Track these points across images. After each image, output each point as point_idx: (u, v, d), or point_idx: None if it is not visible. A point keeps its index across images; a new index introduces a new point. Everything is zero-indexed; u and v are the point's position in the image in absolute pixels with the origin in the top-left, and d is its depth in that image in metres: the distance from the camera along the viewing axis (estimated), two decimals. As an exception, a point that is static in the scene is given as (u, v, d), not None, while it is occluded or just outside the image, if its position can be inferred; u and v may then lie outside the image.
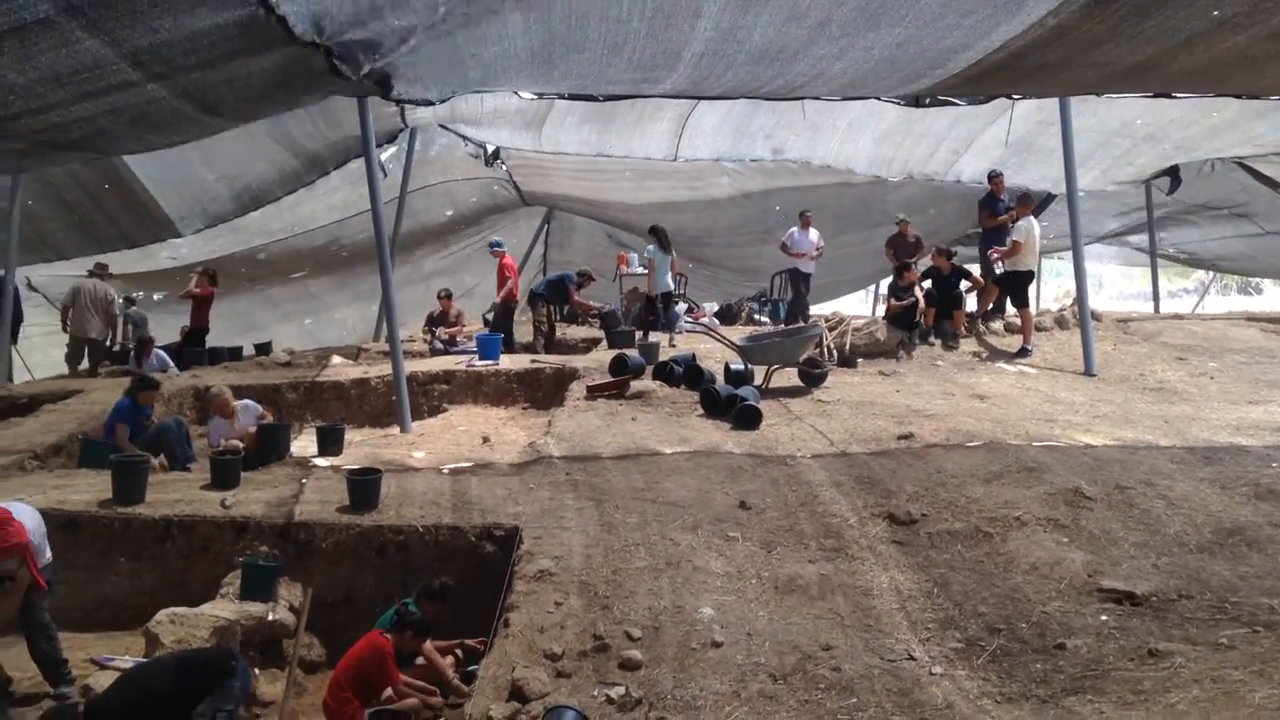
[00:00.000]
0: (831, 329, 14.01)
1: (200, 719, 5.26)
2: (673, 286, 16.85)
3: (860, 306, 26.85)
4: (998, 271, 14.38)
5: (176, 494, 8.53)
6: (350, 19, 3.70)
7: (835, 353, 13.48)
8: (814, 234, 17.02)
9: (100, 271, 15.38)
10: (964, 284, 14.39)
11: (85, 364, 15.23)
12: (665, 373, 12.27)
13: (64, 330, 15.45)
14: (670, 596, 6.54)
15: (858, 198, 19.45)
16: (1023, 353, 13.57)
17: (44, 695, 6.60)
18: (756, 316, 19.97)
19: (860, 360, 13.52)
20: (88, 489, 8.56)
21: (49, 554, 6.81)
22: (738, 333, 14.45)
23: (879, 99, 12.74)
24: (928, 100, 13.40)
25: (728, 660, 5.76)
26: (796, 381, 12.10)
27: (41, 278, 17.71)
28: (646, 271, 17.31)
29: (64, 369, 15.75)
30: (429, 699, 6.91)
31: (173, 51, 3.59)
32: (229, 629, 6.92)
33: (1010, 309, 14.87)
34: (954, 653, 5.95)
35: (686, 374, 12.06)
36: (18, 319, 15.20)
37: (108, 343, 15.51)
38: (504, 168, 19.59)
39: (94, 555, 7.98)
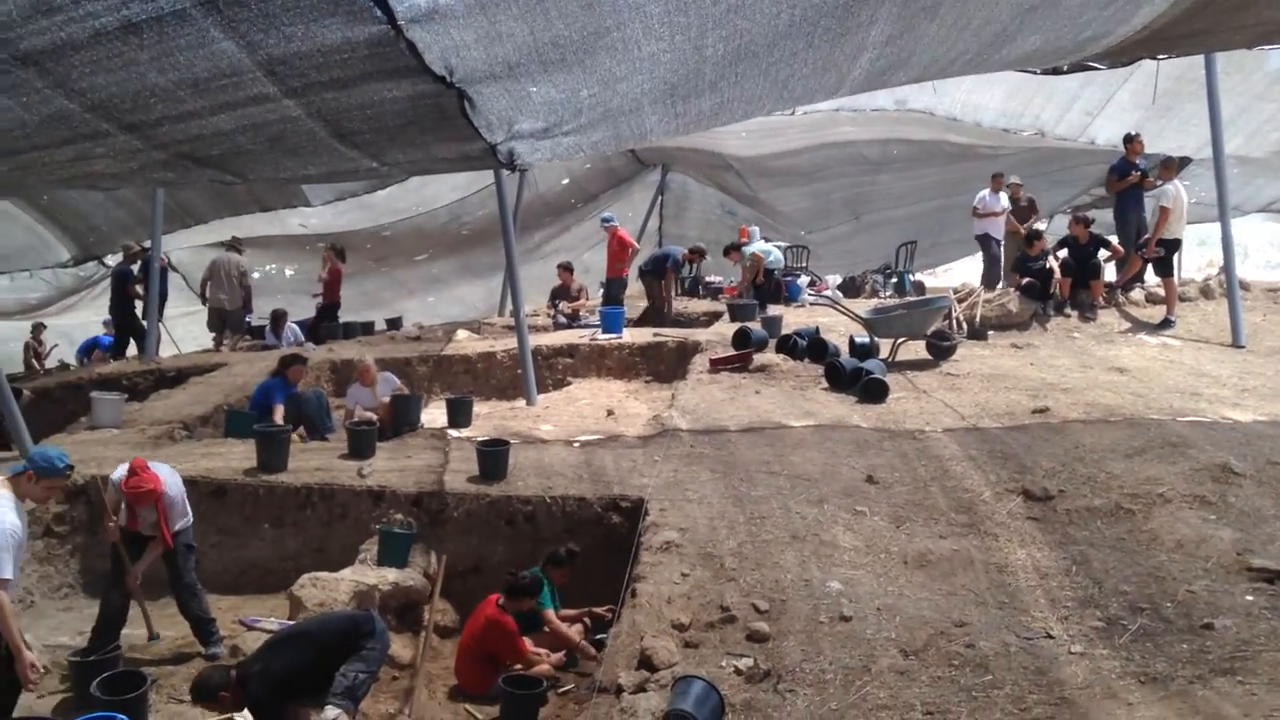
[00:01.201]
0: (960, 300, 13.63)
1: (343, 679, 5.45)
2: (783, 262, 16.76)
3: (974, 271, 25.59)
4: (1141, 241, 13.70)
5: (316, 463, 8.83)
6: (483, 70, 3.70)
7: (965, 325, 13.12)
8: (1004, 196, 16.28)
9: (235, 245, 15.96)
10: (1102, 253, 13.81)
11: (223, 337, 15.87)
12: (789, 346, 12.15)
13: (202, 303, 16.16)
14: (797, 570, 6.49)
15: (979, 155, 18.78)
16: (1165, 324, 12.99)
17: (196, 655, 6.94)
18: (880, 290, 19.61)
19: (991, 332, 13.14)
20: (234, 457, 8.93)
21: (189, 517, 7.11)
22: (862, 306, 14.21)
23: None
24: (1065, 68, 12.86)
25: (857, 634, 5.69)
26: (924, 354, 11.84)
27: (180, 251, 18.57)
28: (769, 244, 17.24)
29: (204, 344, 16.50)
30: (558, 664, 7.05)
31: (306, 65, 3.64)
32: (368, 594, 7.14)
33: (1151, 278, 14.24)
34: (1094, 631, 5.74)
35: (810, 347, 11.92)
36: (163, 296, 15.92)
37: (242, 313, 16.06)
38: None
39: (240, 521, 8.35)
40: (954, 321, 13.01)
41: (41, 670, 5.34)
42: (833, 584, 6.25)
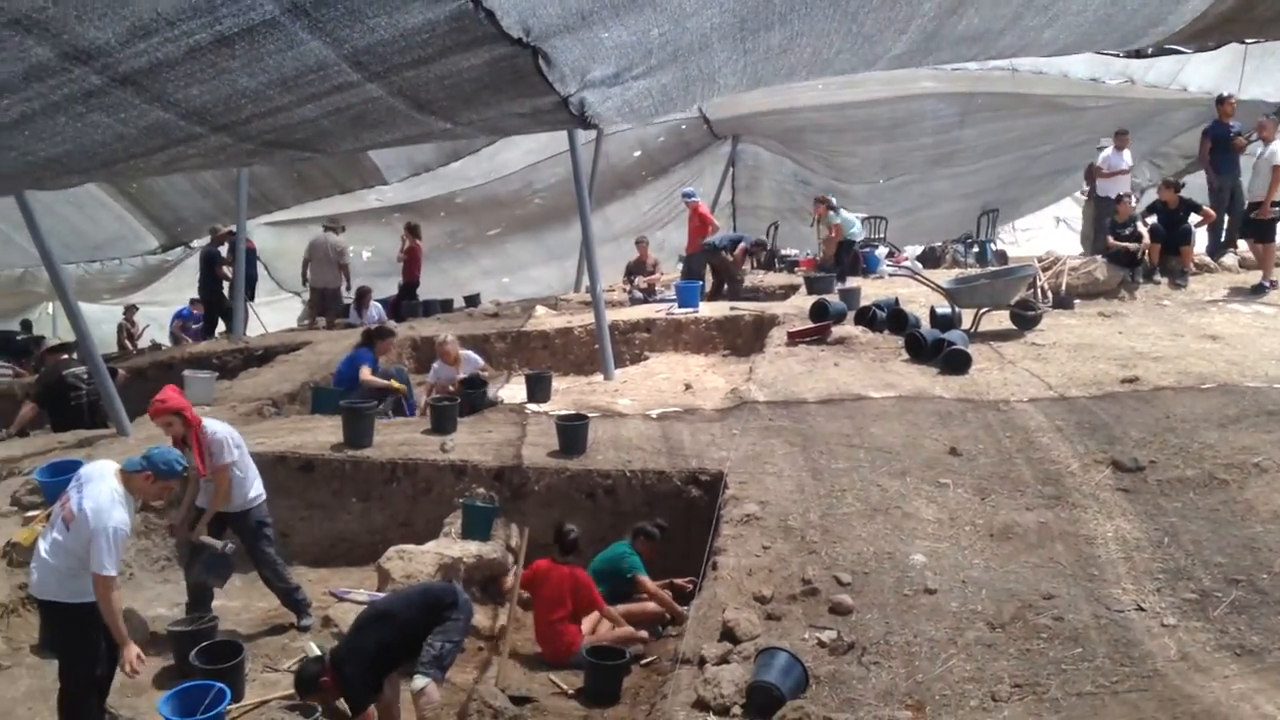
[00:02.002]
0: (1046, 269, 13.34)
1: (430, 649, 5.54)
2: (862, 234, 16.53)
3: (1058, 239, 24.59)
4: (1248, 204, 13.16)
5: (400, 438, 8.98)
6: (558, 24, 3.72)
7: (1050, 294, 12.84)
8: (1127, 154, 15.70)
9: (334, 225, 16.22)
10: (1193, 218, 13.38)
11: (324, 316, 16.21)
12: (868, 318, 12.02)
13: (303, 283, 16.53)
14: (880, 542, 6.44)
15: (1066, 107, 18.21)
16: (1259, 290, 12.56)
17: (289, 625, 7.10)
18: (961, 259, 19.25)
19: (1078, 301, 12.85)
20: (321, 433, 9.12)
21: (261, 493, 7.18)
22: (942, 276, 13.98)
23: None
24: (1150, 50, 12.41)
25: (942, 607, 5.63)
26: (1008, 324, 11.62)
27: (262, 229, 19.04)
28: (847, 215, 17.05)
29: (288, 324, 16.87)
30: (638, 632, 7.13)
31: (389, 50, 3.71)
32: (452, 566, 7.27)
33: (1242, 243, 13.76)
34: (1187, 604, 5.61)
35: (890, 318, 11.78)
36: (250, 278, 16.29)
37: (339, 292, 16.34)
38: (696, 109, 19.45)
39: (329, 495, 8.53)
40: (1039, 290, 12.75)
41: (143, 662, 5.47)
42: (916, 557, 6.20)
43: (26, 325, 18.62)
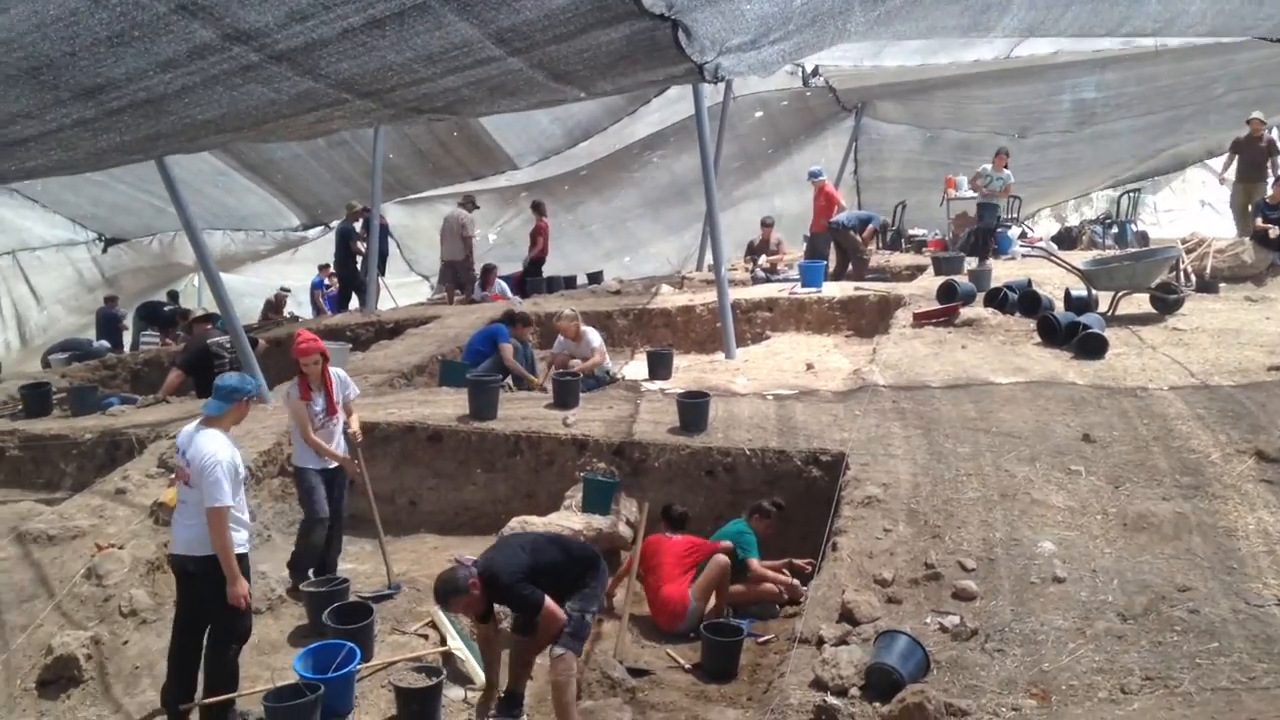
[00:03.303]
0: (1189, 251, 12.77)
1: (572, 617, 5.52)
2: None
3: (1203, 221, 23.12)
4: None
5: (523, 411, 9.15)
6: None
7: (1193, 277, 12.29)
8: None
9: (467, 203, 16.53)
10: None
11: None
12: (998, 299, 11.70)
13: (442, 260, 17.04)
14: (1006, 529, 6.29)
15: (1213, 52, 17.04)
16: None
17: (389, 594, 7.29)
18: (1099, 240, 18.55)
19: (1223, 285, 12.27)
20: (447, 405, 9.36)
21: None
22: (1078, 257, 13.50)
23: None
24: None
25: (1070, 596, 5.48)
26: (1148, 308, 11.18)
27: (396, 205, 19.63)
28: (975, 195, 16.54)
29: (416, 299, 17.31)
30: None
31: (532, 28, 3.82)
32: (572, 538, 7.36)
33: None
34: (1335, 604, 5.34)
35: (1022, 300, 11.45)
36: (383, 254, 16.76)
37: (466, 266, 16.64)
38: (822, 81, 19.18)
39: (455, 465, 8.75)
40: (1181, 273, 12.20)
41: (249, 600, 5.68)
42: (1045, 544, 6.04)
43: (173, 296, 19.52)
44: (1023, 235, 17.64)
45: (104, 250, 19.46)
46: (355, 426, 7.33)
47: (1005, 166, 15.41)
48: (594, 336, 11.18)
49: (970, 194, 16.75)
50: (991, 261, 14.70)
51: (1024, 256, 15.56)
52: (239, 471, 5.65)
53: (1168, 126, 19.08)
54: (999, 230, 16.58)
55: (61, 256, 19.69)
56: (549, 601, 5.35)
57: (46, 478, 9.54)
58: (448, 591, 5.43)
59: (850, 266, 15.80)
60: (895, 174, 22.23)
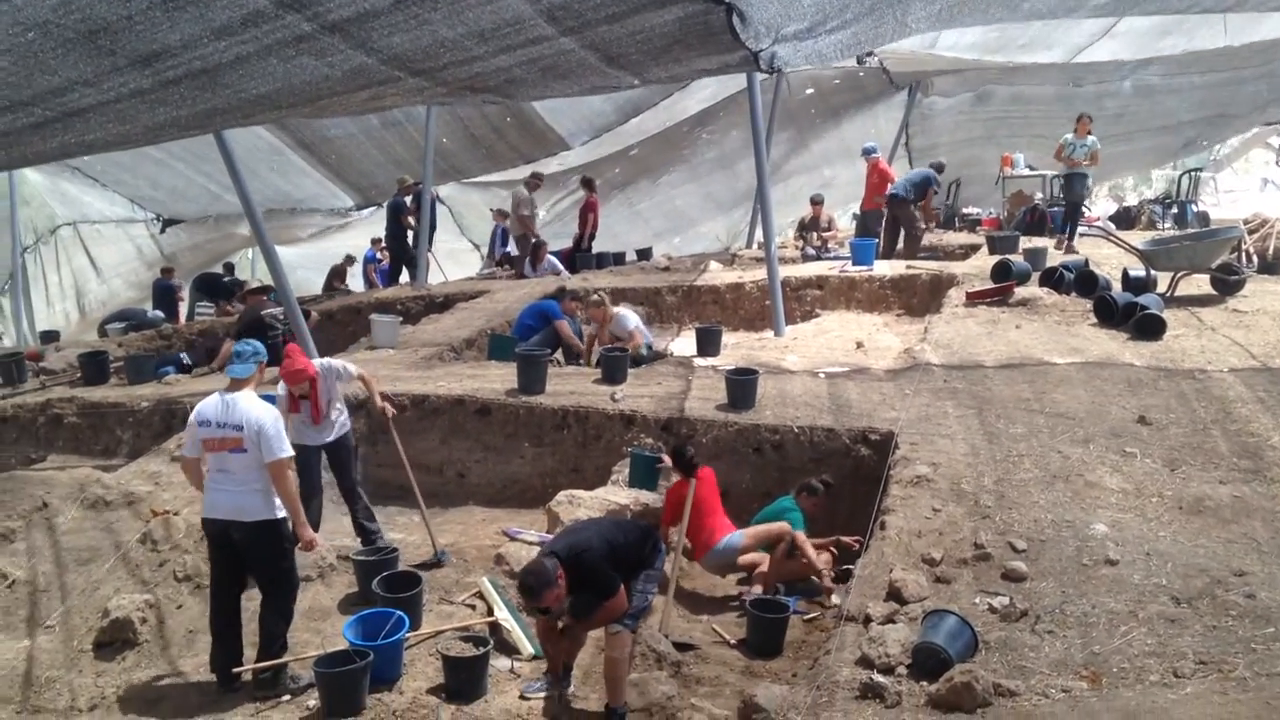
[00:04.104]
0: (1251, 232, 12.48)
1: (636, 594, 5.48)
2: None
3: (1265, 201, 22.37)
4: None
5: (571, 386, 9.17)
6: None
7: (1255, 258, 12.01)
8: None
9: (531, 182, 16.54)
10: None
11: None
12: (1054, 279, 11.51)
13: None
14: (1059, 510, 6.21)
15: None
16: None
17: (436, 563, 7.35)
18: (1158, 221, 18.18)
19: (1286, 266, 11.99)
20: (495, 379, 9.40)
21: (348, 420, 7.52)
22: (1137, 237, 13.24)
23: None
24: None
25: (1123, 579, 5.39)
26: (1208, 289, 10.94)
27: (447, 187, 19.79)
28: (1033, 173, 16.28)
29: (465, 267, 17.37)
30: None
31: (584, 7, 3.79)
32: (618, 513, 7.38)
33: None
34: (1400, 593, 5.20)
35: (1078, 280, 11.25)
36: (433, 224, 16.85)
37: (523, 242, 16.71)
38: (876, 60, 18.90)
39: (503, 439, 8.80)
40: (1243, 254, 11.93)
41: (320, 544, 5.77)
42: (1097, 526, 5.95)
43: (229, 268, 19.81)
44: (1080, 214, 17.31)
45: (161, 231, 19.83)
46: (380, 402, 7.42)
47: (1089, 132, 14.25)
48: (629, 318, 11.08)
49: (1028, 171, 16.48)
50: (1047, 240, 14.47)
51: (1081, 236, 15.28)
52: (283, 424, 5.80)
53: (1228, 86, 18.51)
54: (1053, 210, 16.30)
55: (120, 232, 20.09)
56: (621, 589, 5.28)
57: (104, 444, 9.74)
58: (540, 585, 5.05)
59: (902, 243, 15.58)
60: (947, 139, 21.84)
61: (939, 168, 16.69)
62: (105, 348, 12.66)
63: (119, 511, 7.55)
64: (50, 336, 16.36)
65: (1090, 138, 13.99)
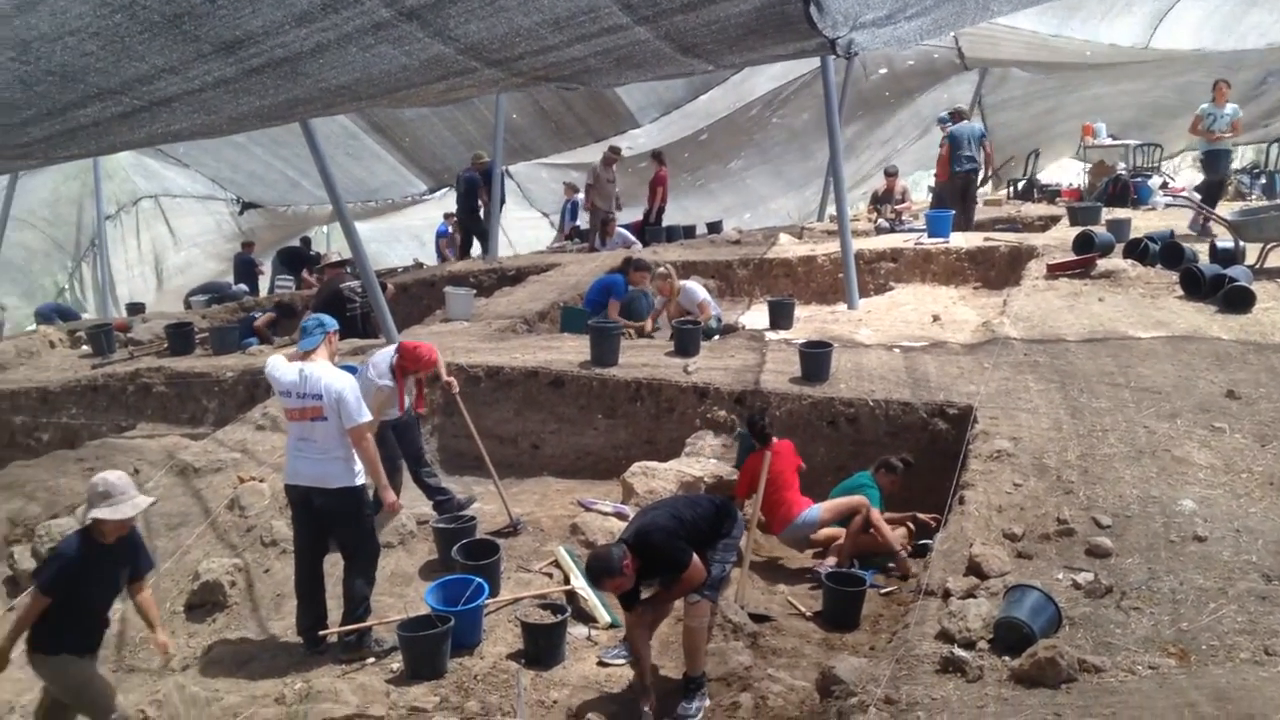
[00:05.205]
0: (1347, 201, 12.02)
1: (712, 569, 5.46)
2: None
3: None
4: None
5: (644, 359, 9.19)
6: None
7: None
8: None
9: (609, 156, 16.55)
10: None
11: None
12: (1138, 251, 11.23)
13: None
14: (1144, 486, 6.08)
15: None
16: None
17: (509, 530, 7.44)
18: (1246, 191, 17.61)
19: (1385, 238, 11.53)
20: (568, 351, 9.46)
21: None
22: (1224, 208, 12.85)
23: None
24: None
25: (1212, 556, 5.27)
26: (1300, 261, 10.60)
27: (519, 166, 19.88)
28: (1115, 142, 15.87)
29: (534, 237, 17.76)
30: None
31: None
32: (693, 484, 7.41)
33: None
34: None
35: (1164, 252, 10.96)
36: (501, 197, 16.96)
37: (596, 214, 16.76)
38: (951, 40, 18.52)
39: (576, 411, 8.86)
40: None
41: (401, 508, 5.90)
42: (1185, 502, 5.82)
43: (306, 242, 20.14)
44: (1164, 185, 16.85)
45: (240, 213, 20.32)
46: (446, 375, 7.58)
47: (1227, 101, 12.98)
48: (697, 291, 11.04)
49: (1109, 141, 16.06)
50: (1130, 211, 14.11)
51: (1166, 207, 14.89)
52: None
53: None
54: (1136, 181, 15.87)
55: (200, 206, 20.59)
56: (695, 558, 5.29)
57: (190, 413, 10.02)
58: (603, 572, 5.12)
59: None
60: (1024, 129, 21.35)
61: (958, 115, 16.11)
62: (190, 319, 12.98)
63: (206, 478, 7.77)
64: (136, 308, 16.83)
65: (1230, 106, 12.88)
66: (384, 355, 7.25)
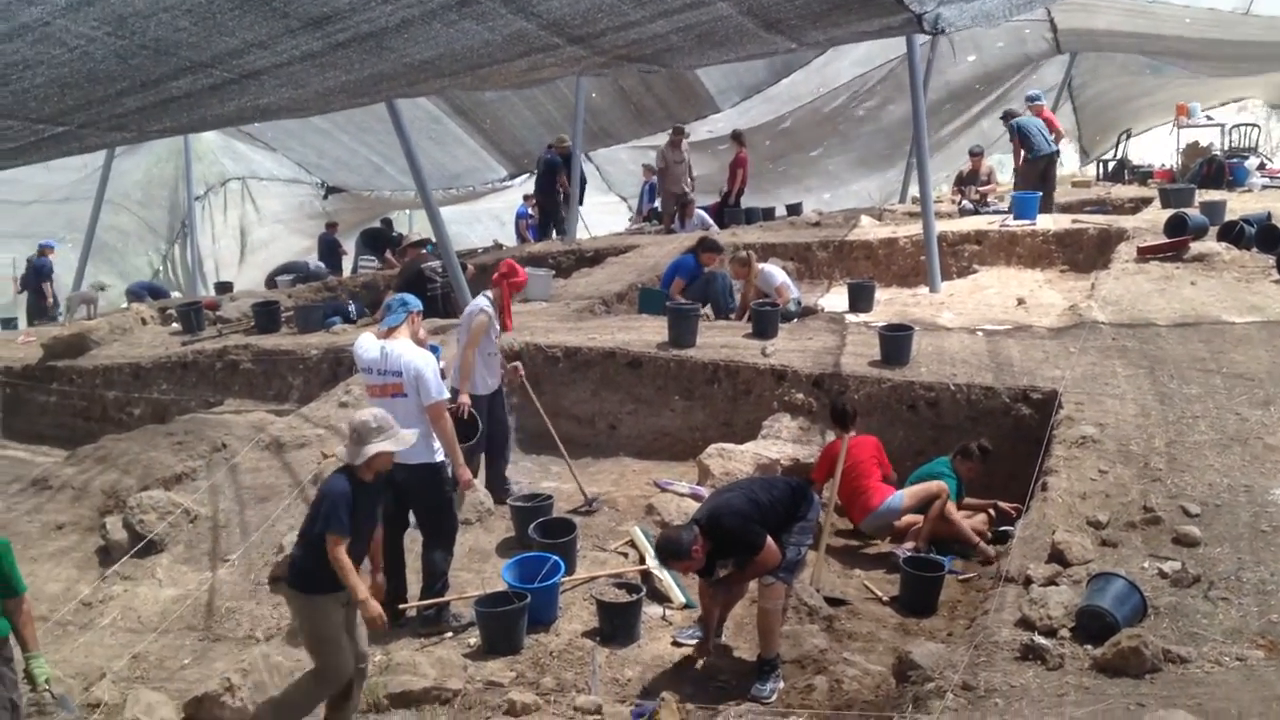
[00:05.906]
0: None
1: (790, 545, 5.44)
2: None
3: None
4: None
5: (722, 340, 9.18)
6: None
7: None
8: None
9: (674, 137, 16.54)
10: None
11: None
12: (1233, 234, 10.87)
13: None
14: (1235, 474, 5.91)
15: None
16: None
17: (586, 509, 7.51)
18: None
19: None
20: (646, 332, 9.48)
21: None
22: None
23: None
24: None
25: (1306, 548, 5.12)
26: None
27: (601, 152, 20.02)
28: (1210, 122, 15.34)
29: (612, 220, 18.34)
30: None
31: None
32: (770, 467, 7.38)
33: None
34: None
35: (1260, 235, 10.59)
36: (581, 180, 17.02)
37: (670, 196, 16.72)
38: (1043, 12, 18.00)
39: (653, 391, 8.89)
40: None
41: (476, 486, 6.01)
42: (1276, 491, 5.65)
43: (388, 223, 20.46)
44: (1261, 166, 16.26)
45: (325, 197, 20.72)
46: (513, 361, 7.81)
47: None
48: (775, 274, 10.95)
49: (1204, 120, 15.52)
50: (1226, 193, 13.65)
51: (1263, 189, 14.37)
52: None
53: None
54: (1231, 162, 15.33)
55: (286, 189, 21.09)
56: (770, 541, 5.29)
57: (276, 390, 10.28)
58: (671, 553, 5.17)
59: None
60: (1120, 108, 20.69)
61: (1011, 113, 15.76)
62: (276, 298, 13.29)
63: (292, 453, 7.97)
64: (224, 287, 17.27)
65: None
66: (474, 301, 7.53)
